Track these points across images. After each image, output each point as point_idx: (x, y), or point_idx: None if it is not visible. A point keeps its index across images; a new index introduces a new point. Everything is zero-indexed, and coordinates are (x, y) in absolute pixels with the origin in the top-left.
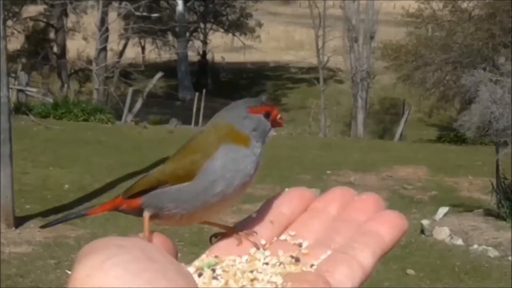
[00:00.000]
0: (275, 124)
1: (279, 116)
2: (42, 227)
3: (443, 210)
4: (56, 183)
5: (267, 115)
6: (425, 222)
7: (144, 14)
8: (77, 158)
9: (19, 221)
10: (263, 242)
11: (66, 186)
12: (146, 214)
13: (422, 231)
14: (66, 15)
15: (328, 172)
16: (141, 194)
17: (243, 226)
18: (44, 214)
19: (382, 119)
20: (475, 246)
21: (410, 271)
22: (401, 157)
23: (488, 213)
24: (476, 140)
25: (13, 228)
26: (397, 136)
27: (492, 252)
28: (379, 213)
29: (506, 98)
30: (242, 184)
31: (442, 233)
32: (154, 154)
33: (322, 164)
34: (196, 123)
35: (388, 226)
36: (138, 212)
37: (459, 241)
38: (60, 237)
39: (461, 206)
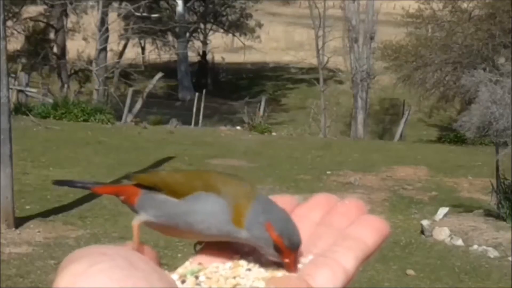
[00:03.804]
0: (284, 264)
1: (287, 261)
2: (55, 183)
3: (443, 210)
4: None
5: (277, 248)
6: (425, 222)
7: (144, 14)
8: (77, 158)
9: (19, 222)
10: (246, 249)
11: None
12: (135, 222)
13: (422, 232)
14: (66, 15)
15: (328, 172)
16: (143, 187)
17: None
18: (44, 214)
19: (382, 119)
20: (475, 246)
21: (410, 272)
22: (401, 157)
23: (488, 213)
24: (476, 141)
25: (13, 229)
26: (397, 136)
27: (492, 253)
28: (361, 217)
29: (506, 99)
30: (208, 232)
31: (442, 234)
32: (154, 154)
33: (322, 164)
34: (196, 124)
35: (370, 230)
36: (133, 208)
37: (459, 242)
38: (60, 238)
39: (461, 207)
